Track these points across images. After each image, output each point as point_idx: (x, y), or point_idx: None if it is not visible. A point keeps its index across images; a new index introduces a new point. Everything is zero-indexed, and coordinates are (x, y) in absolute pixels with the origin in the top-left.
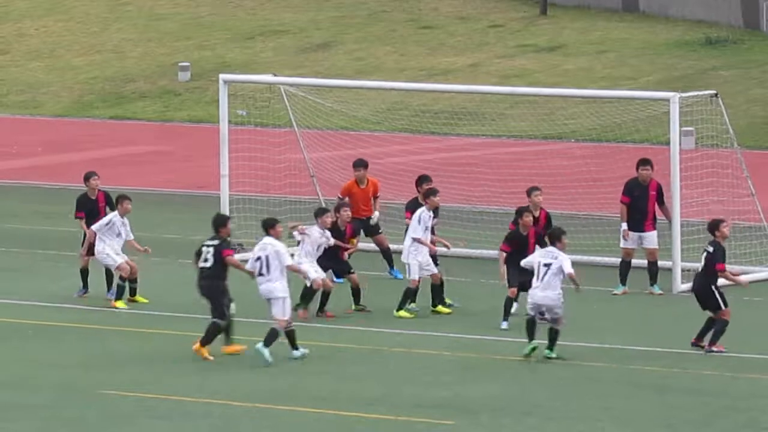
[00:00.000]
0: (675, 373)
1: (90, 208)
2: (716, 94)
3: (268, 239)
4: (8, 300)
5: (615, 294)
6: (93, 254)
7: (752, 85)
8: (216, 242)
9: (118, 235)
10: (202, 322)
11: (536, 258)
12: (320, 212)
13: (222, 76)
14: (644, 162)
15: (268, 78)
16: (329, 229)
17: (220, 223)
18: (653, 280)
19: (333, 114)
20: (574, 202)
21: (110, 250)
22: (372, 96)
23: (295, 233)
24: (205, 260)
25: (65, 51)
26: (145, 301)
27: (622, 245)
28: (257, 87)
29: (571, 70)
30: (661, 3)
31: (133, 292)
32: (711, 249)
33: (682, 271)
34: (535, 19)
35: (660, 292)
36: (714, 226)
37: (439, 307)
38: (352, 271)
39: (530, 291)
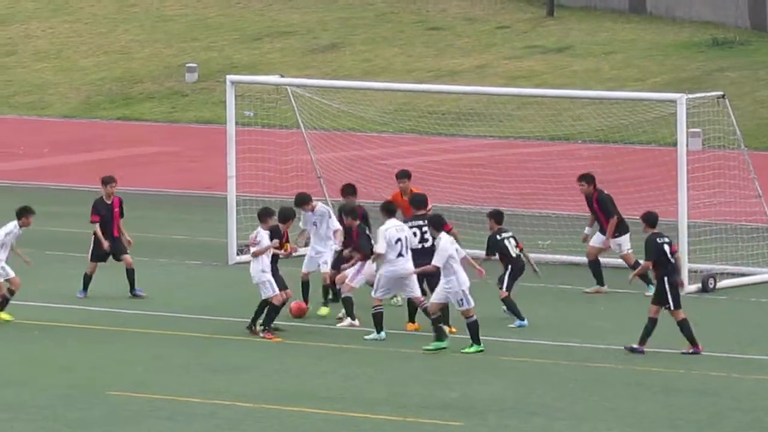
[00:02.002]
0: (680, 373)
1: (105, 213)
2: (723, 96)
3: (394, 221)
4: (14, 301)
5: (586, 292)
6: (102, 260)
7: (759, 87)
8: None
9: (9, 246)
10: (208, 323)
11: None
12: (266, 213)
13: (229, 77)
14: (579, 178)
15: (275, 79)
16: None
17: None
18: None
19: (340, 115)
20: (581, 203)
21: (4, 262)
22: (379, 97)
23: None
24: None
25: (72, 52)
26: (9, 318)
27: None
28: (264, 88)
29: (579, 71)
30: (668, 4)
31: (1, 307)
32: (668, 239)
33: (690, 272)
34: (542, 20)
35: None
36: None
37: (322, 308)
38: (285, 287)
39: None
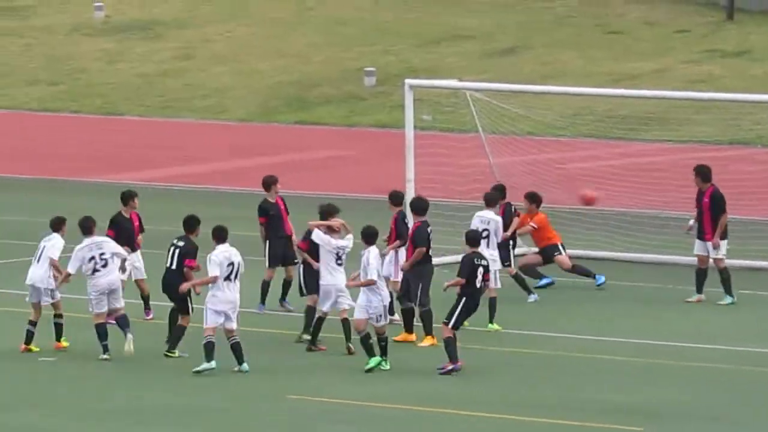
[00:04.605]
0: None
1: (273, 213)
2: None
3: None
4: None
5: (688, 301)
6: (279, 265)
7: None
8: None
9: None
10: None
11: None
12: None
13: (407, 81)
14: (695, 170)
15: (453, 83)
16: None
17: None
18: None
19: (518, 119)
20: (759, 207)
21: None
22: (557, 101)
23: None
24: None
25: (249, 56)
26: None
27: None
28: (442, 92)
29: (758, 75)
30: None
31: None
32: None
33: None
34: (722, 24)
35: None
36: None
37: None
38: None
39: None
